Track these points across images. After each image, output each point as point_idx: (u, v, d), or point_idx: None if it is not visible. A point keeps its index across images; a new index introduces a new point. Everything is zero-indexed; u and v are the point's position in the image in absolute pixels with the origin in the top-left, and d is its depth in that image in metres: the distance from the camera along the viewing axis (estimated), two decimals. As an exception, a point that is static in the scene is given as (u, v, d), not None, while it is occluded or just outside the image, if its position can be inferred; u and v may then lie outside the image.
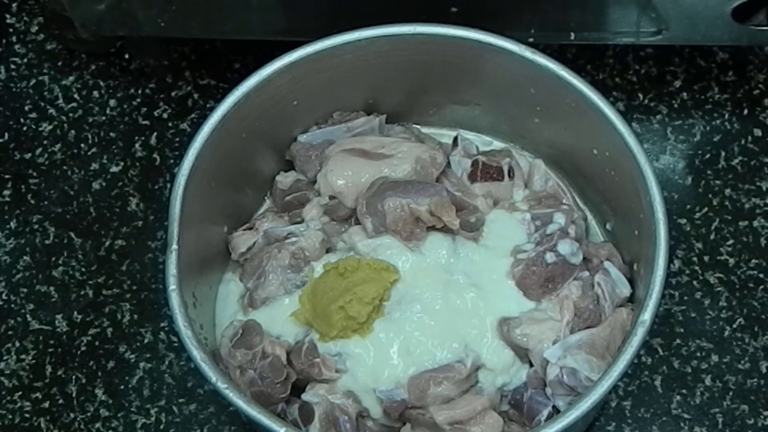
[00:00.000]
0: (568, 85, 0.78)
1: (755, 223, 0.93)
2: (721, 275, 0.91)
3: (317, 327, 0.78)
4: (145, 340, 0.90)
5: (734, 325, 0.89)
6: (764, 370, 0.88)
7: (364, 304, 0.76)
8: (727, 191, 0.94)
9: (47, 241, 0.95)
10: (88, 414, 0.88)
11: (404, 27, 0.81)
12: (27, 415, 0.89)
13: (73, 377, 0.90)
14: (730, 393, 0.87)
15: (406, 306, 0.78)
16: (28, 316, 0.92)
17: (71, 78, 1.01)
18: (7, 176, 0.98)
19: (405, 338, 0.77)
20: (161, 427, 0.88)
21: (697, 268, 0.91)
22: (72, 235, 0.95)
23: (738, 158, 0.95)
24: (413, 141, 0.85)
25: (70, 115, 1.00)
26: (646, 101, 0.97)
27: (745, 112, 0.97)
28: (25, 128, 1.00)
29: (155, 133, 0.99)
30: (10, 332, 0.91)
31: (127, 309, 0.92)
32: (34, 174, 0.98)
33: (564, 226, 0.80)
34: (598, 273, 0.79)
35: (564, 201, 0.85)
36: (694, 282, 0.91)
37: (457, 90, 0.87)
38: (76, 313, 0.92)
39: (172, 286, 0.73)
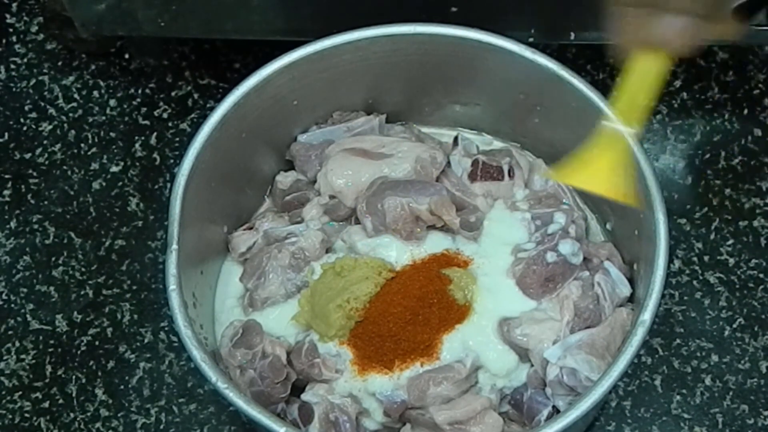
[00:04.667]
0: (568, 85, 0.78)
1: (755, 223, 0.93)
2: (721, 275, 0.91)
3: (316, 327, 0.78)
4: (145, 340, 0.90)
5: (734, 325, 0.89)
6: (764, 370, 0.88)
7: (361, 303, 0.76)
8: (727, 191, 0.94)
9: (47, 241, 0.95)
10: (88, 414, 0.88)
11: (404, 27, 0.81)
12: (27, 415, 0.88)
13: (73, 377, 0.90)
14: (730, 393, 0.87)
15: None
16: (28, 316, 0.92)
17: (71, 78, 1.01)
18: (7, 176, 0.98)
19: (405, 338, 0.77)
20: (161, 427, 0.88)
21: (697, 268, 0.91)
22: (72, 235, 0.95)
23: (738, 158, 0.95)
24: (413, 140, 0.85)
25: (70, 115, 1.00)
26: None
27: (745, 112, 0.97)
28: (25, 128, 1.00)
29: (155, 133, 0.99)
30: (10, 332, 0.91)
31: (127, 309, 0.92)
32: (34, 174, 0.98)
33: (564, 225, 0.80)
34: (598, 273, 0.79)
35: (564, 201, 0.85)
36: (694, 282, 0.91)
37: (457, 90, 0.87)
38: (76, 313, 0.92)
39: (172, 286, 0.73)
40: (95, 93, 1.01)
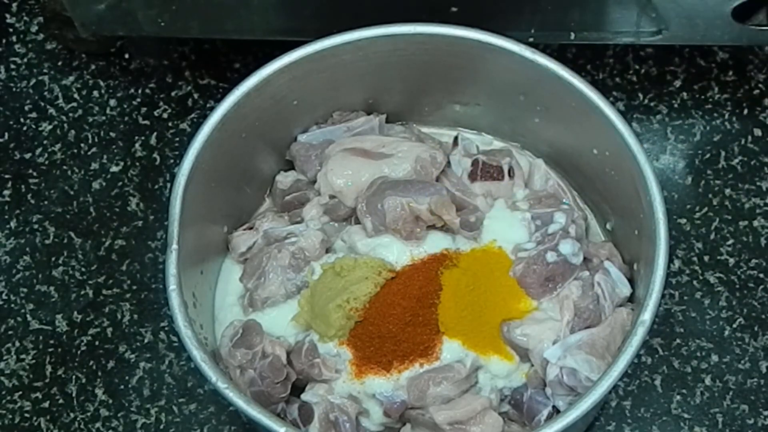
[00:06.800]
0: (568, 85, 0.78)
1: (755, 223, 0.93)
2: (721, 275, 0.91)
3: (316, 327, 0.78)
4: (145, 340, 0.90)
5: (734, 325, 0.89)
6: (764, 370, 0.88)
7: (361, 303, 0.76)
8: (727, 191, 0.94)
9: (47, 241, 0.95)
10: (88, 414, 0.88)
11: (404, 27, 0.81)
12: (27, 415, 0.89)
13: (73, 377, 0.90)
14: (730, 393, 0.87)
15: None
16: (28, 316, 0.92)
17: (71, 78, 1.01)
18: (7, 176, 0.98)
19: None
20: (161, 427, 0.88)
21: (697, 268, 0.91)
22: (72, 235, 0.95)
23: (738, 158, 0.95)
24: (413, 140, 0.85)
25: (70, 115, 1.00)
26: (646, 101, 0.98)
27: (745, 112, 0.97)
28: (25, 128, 1.00)
29: (155, 133, 0.99)
30: (10, 332, 0.91)
31: (127, 309, 0.92)
32: (34, 174, 0.98)
33: (565, 225, 0.80)
34: (598, 273, 0.79)
35: (564, 201, 0.85)
36: (694, 282, 0.91)
37: (457, 90, 0.87)
38: (76, 313, 0.92)
39: (172, 286, 0.73)
40: (95, 93, 1.01)
